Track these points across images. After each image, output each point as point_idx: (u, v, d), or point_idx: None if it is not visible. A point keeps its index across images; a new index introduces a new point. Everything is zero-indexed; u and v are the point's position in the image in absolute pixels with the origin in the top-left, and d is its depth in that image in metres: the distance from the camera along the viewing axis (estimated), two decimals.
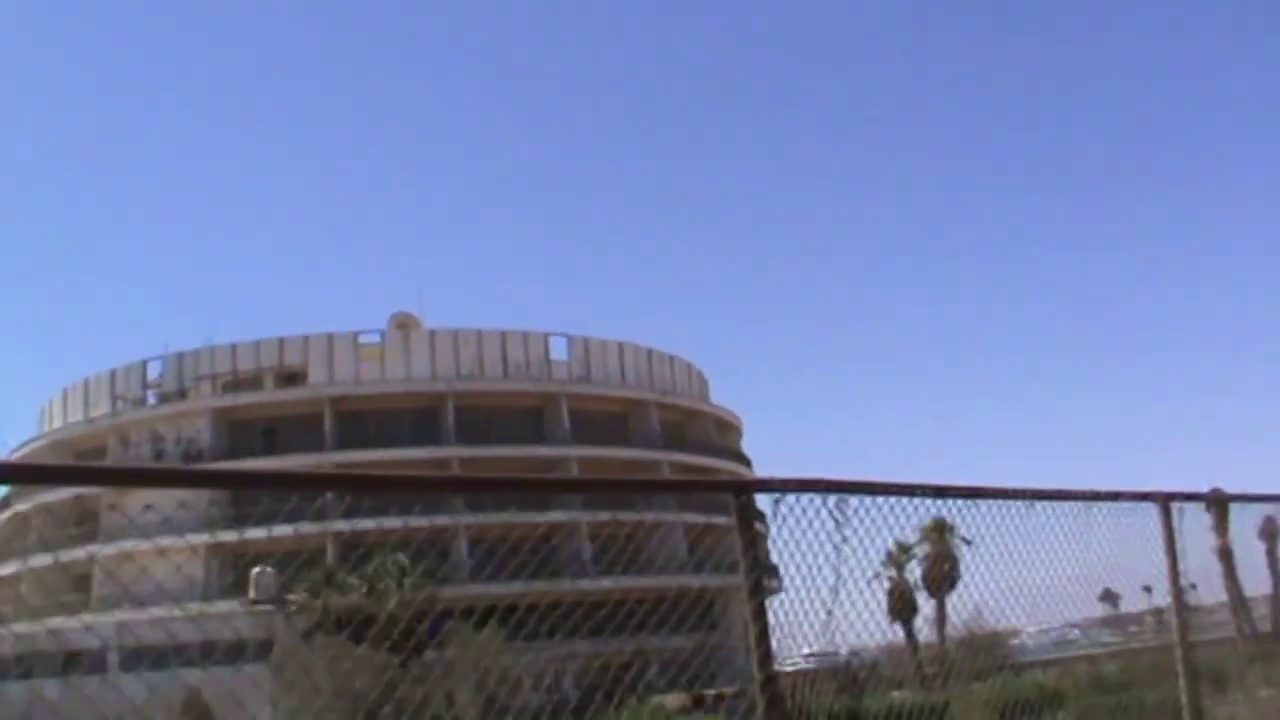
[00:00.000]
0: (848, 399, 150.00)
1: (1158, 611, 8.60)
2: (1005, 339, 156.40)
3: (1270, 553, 8.54)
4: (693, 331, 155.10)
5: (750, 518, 4.39)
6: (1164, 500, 8.23)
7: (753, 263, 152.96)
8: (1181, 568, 7.23)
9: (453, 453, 72.83)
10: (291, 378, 79.70)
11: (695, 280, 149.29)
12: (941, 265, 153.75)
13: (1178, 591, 8.43)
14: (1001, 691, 7.03)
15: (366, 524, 59.13)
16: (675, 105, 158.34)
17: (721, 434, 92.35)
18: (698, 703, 27.06)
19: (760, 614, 4.64)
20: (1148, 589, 6.59)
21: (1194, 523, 7.10)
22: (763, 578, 4.56)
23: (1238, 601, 10.03)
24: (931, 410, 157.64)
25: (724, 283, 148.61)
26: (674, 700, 30.85)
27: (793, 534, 4.43)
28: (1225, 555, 8.31)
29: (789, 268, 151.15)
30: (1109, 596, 6.69)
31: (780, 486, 4.56)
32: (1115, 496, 6.81)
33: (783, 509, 4.47)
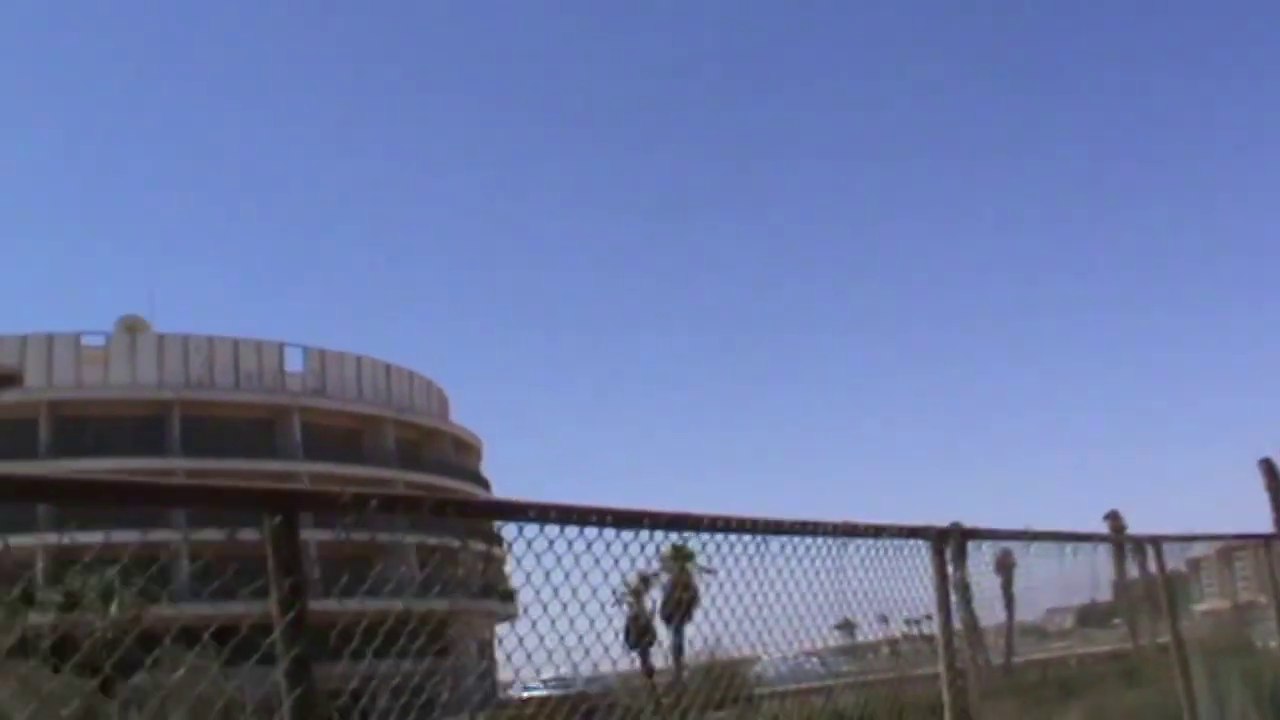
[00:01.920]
0: (598, 422, 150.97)
1: (893, 641, 8.80)
2: (757, 356, 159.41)
3: (1005, 586, 8.81)
4: (436, 350, 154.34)
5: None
6: (937, 537, 8.48)
7: (505, 280, 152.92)
8: (954, 600, 7.46)
9: (177, 464, 70.91)
10: (6, 379, 76.63)
11: (440, 296, 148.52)
12: (699, 280, 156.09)
13: (947, 625, 8.73)
14: None
15: (81, 537, 57.14)
16: (412, 103, 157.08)
17: (460, 454, 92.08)
18: None
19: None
20: (884, 619, 6.70)
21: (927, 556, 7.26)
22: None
23: (973, 634, 10.33)
24: (688, 434, 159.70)
25: (470, 299, 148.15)
26: None
27: (532, 558, 4.36)
28: (962, 588, 8.53)
29: (539, 286, 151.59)
30: (846, 625, 6.79)
31: (518, 513, 4.55)
32: (877, 532, 6.95)
33: (527, 533, 4.44)
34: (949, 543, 7.35)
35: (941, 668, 7.29)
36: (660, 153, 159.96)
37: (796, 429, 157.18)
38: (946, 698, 7.48)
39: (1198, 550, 12.39)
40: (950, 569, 8.06)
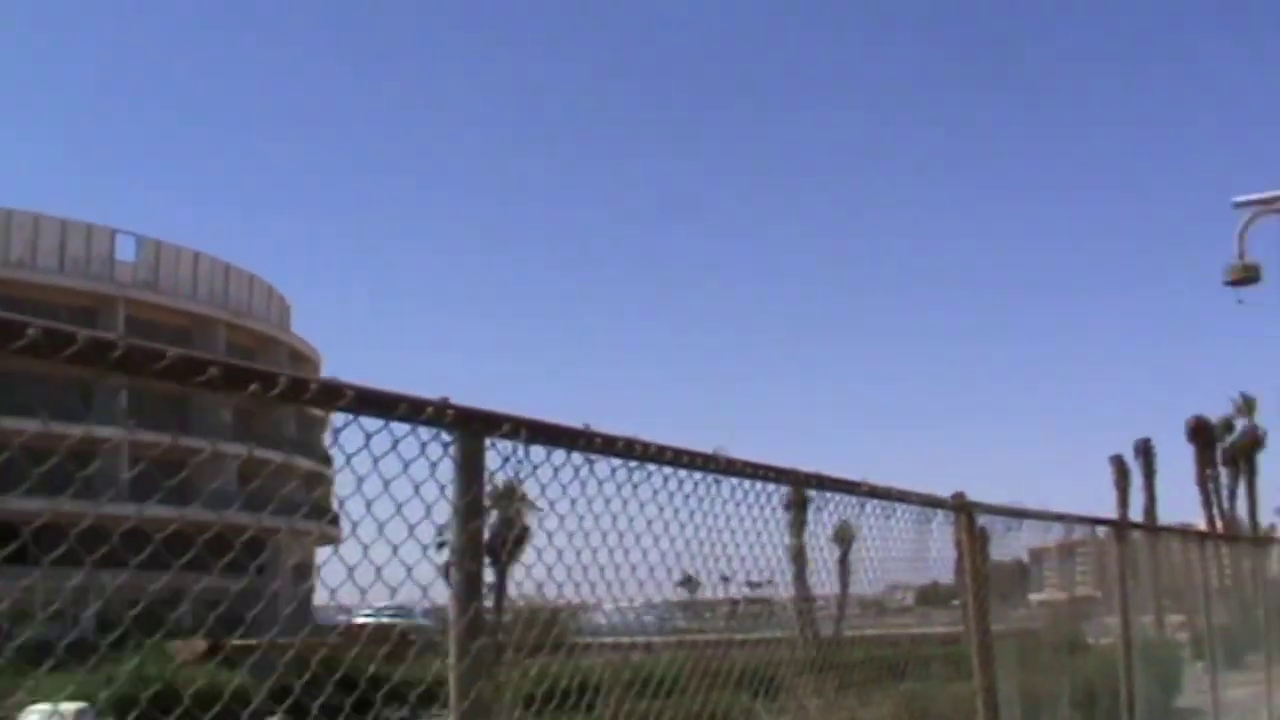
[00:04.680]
0: (450, 341, 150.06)
1: (733, 602, 8.86)
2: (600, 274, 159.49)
3: (843, 558, 8.89)
4: (280, 256, 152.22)
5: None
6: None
7: (361, 191, 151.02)
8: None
9: None
10: None
11: (290, 202, 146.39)
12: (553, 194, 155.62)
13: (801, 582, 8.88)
14: (544, 673, 7.03)
15: None
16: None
17: (297, 366, 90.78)
18: (213, 651, 25.25)
19: None
20: (725, 579, 6.71)
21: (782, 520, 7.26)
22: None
23: (805, 603, 10.44)
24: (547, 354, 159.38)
25: (321, 207, 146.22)
26: (187, 648, 29.38)
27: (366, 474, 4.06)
28: (799, 555, 8.59)
29: (397, 200, 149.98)
30: (688, 582, 6.79)
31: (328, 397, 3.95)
32: (781, 476, 6.80)
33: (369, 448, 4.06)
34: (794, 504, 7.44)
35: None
36: (514, 59, 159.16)
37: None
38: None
39: (1039, 541, 12.56)
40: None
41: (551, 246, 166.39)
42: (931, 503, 8.89)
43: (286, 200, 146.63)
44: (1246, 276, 13.85)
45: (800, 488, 6.77)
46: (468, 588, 4.33)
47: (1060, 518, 12.01)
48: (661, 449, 5.33)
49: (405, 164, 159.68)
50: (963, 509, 9.25)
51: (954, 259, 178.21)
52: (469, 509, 4.33)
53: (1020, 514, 11.04)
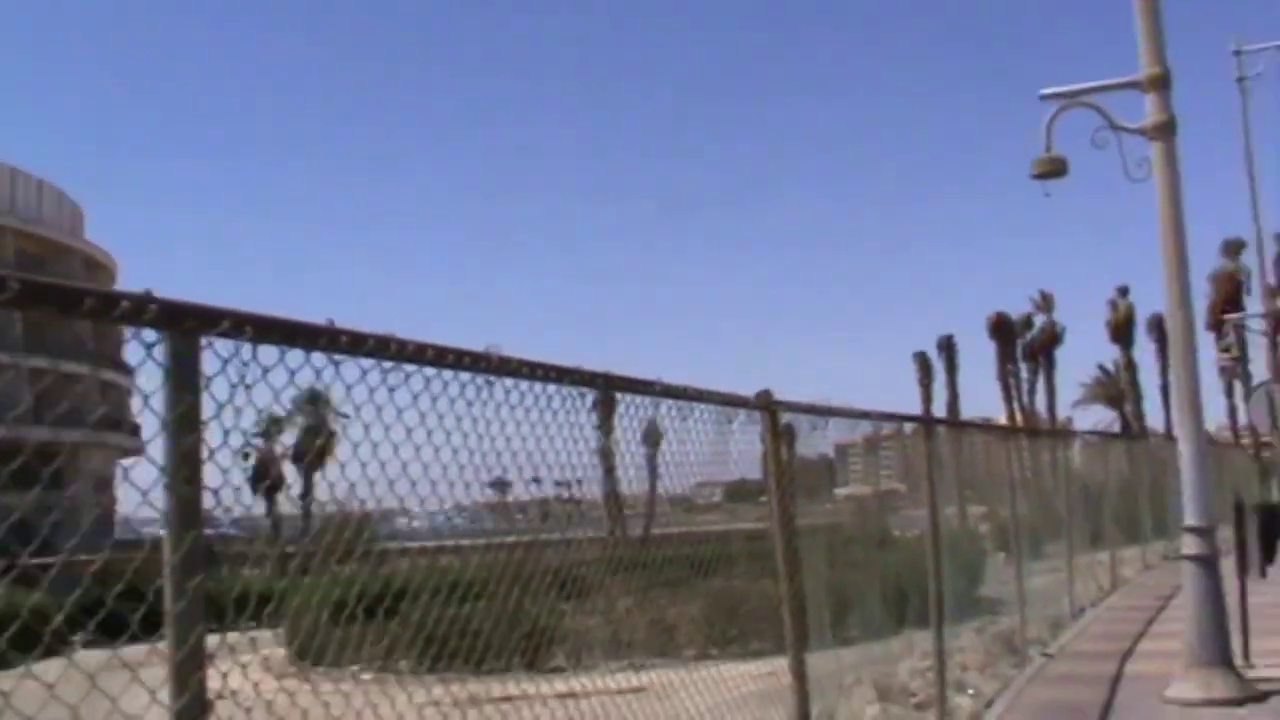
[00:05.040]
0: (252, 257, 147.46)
1: (545, 503, 8.84)
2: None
3: (651, 458, 8.92)
4: (74, 165, 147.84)
5: None
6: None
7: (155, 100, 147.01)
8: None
9: None
10: None
11: (82, 107, 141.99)
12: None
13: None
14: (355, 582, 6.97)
15: None
16: None
17: (91, 274, 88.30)
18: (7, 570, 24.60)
19: None
20: (537, 480, 6.70)
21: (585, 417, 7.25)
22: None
23: (614, 503, 10.50)
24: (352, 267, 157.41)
25: (115, 113, 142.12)
26: None
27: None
28: (605, 455, 8.62)
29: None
30: (499, 484, 6.77)
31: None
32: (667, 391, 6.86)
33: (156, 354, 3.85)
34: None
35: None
36: None
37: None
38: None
39: (846, 437, 12.74)
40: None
41: (350, 157, 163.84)
42: (735, 402, 8.81)
43: (81, 104, 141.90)
44: (1053, 169, 14.14)
45: (585, 387, 6.61)
46: (182, 514, 3.81)
47: (865, 415, 12.15)
48: (422, 348, 4.95)
49: (205, 71, 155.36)
50: (766, 407, 9.18)
51: (761, 162, 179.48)
52: (181, 422, 3.81)
53: (826, 412, 11.05)
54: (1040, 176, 14.24)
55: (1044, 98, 14.23)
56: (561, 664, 17.42)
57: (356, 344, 4.69)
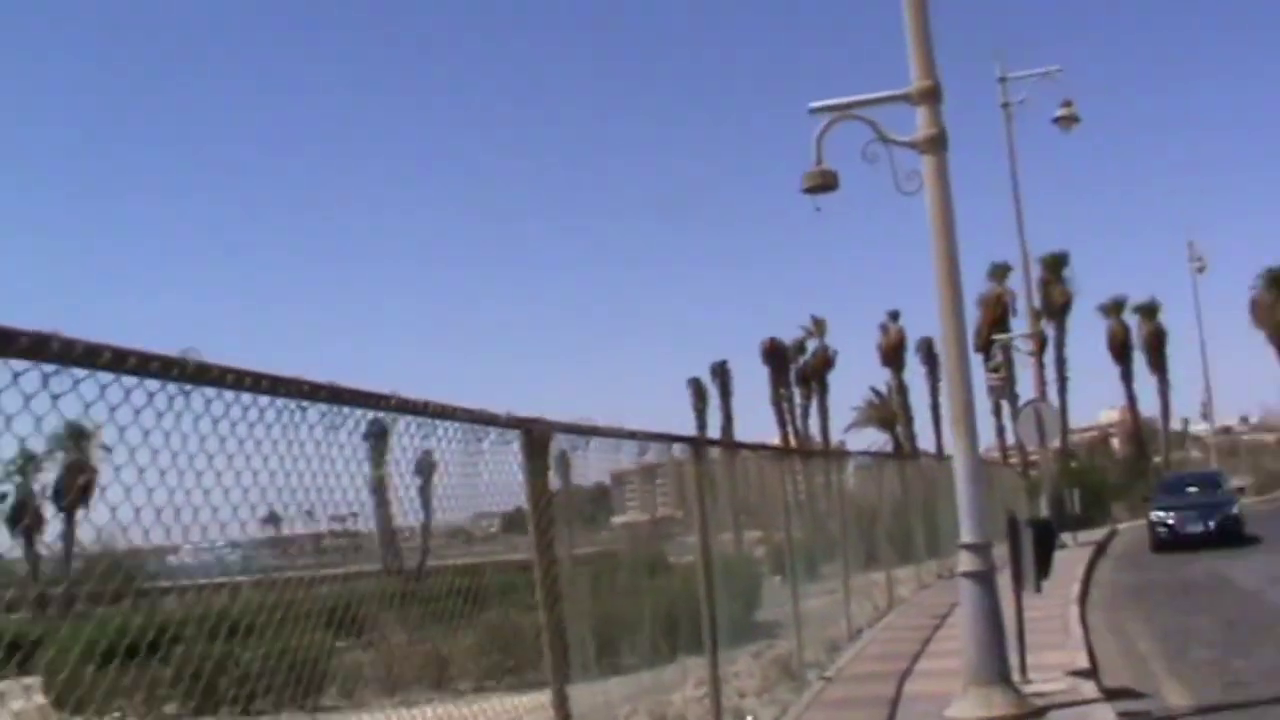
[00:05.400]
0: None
1: (318, 537, 8.69)
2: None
3: (424, 489, 8.84)
4: None
5: None
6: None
7: None
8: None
9: None
10: None
11: None
12: None
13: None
14: (119, 623, 6.79)
15: None
16: None
17: None
18: None
19: None
20: (310, 513, 6.59)
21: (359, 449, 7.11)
22: None
23: (388, 535, 10.39)
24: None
25: None
26: None
27: None
28: (380, 487, 8.49)
29: None
30: (273, 518, 6.63)
31: None
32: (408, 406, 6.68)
33: None
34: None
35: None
36: None
37: None
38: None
39: (621, 465, 12.64)
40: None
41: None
42: (483, 420, 8.21)
43: None
44: (824, 183, 14.10)
45: (306, 400, 6.15)
46: None
47: (633, 435, 11.79)
48: (123, 354, 4.49)
49: None
50: (521, 425, 8.65)
51: (533, 182, 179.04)
52: None
53: (590, 431, 10.65)
54: (810, 190, 14.04)
55: (814, 111, 14.07)
56: (334, 702, 17.15)
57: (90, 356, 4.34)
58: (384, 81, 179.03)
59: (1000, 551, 14.56)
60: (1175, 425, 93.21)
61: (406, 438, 7.47)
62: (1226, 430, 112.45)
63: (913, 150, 13.83)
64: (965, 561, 13.53)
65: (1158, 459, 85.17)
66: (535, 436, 8.76)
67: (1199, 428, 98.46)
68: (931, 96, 13.80)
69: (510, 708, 9.00)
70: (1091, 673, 15.48)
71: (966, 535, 13.58)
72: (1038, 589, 15.28)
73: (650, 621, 14.09)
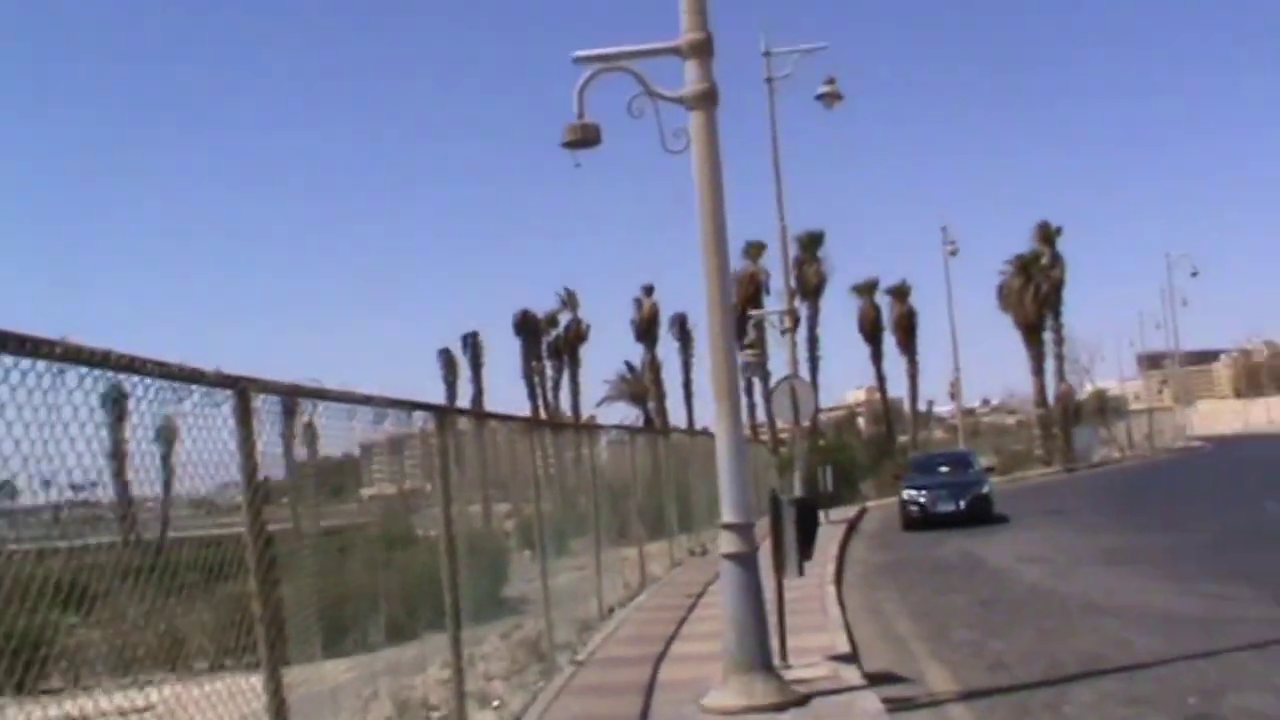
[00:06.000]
0: None
1: (56, 508, 8.31)
2: None
3: (166, 457, 8.50)
4: None
5: None
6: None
7: None
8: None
9: None
10: None
11: None
12: None
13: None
14: None
15: None
16: None
17: None
18: None
19: None
20: (47, 483, 6.27)
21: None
22: None
23: (127, 507, 10.02)
24: None
25: None
26: None
27: None
28: (120, 454, 8.17)
29: None
30: (6, 487, 6.26)
31: None
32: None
33: None
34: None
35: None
36: None
37: None
38: None
39: (371, 436, 12.27)
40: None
41: None
42: (183, 376, 7.41)
43: None
44: (585, 138, 13.55)
45: None
46: None
47: (369, 400, 10.87)
48: None
49: None
50: (233, 385, 7.88)
51: (283, 145, 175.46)
52: None
53: (318, 395, 9.87)
54: (571, 145, 13.35)
55: (577, 60, 13.39)
56: (58, 684, 16.51)
57: None
58: None
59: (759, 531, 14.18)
60: (921, 406, 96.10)
61: (145, 403, 7.13)
62: (970, 412, 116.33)
63: (681, 106, 13.38)
64: (727, 542, 13.14)
65: (904, 438, 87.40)
66: (249, 398, 8.04)
67: (942, 409, 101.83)
68: (703, 50, 13.39)
69: (245, 688, 8.69)
70: (853, 657, 15.50)
71: (728, 515, 13.20)
72: (800, 572, 14.99)
73: (393, 597, 13.77)
